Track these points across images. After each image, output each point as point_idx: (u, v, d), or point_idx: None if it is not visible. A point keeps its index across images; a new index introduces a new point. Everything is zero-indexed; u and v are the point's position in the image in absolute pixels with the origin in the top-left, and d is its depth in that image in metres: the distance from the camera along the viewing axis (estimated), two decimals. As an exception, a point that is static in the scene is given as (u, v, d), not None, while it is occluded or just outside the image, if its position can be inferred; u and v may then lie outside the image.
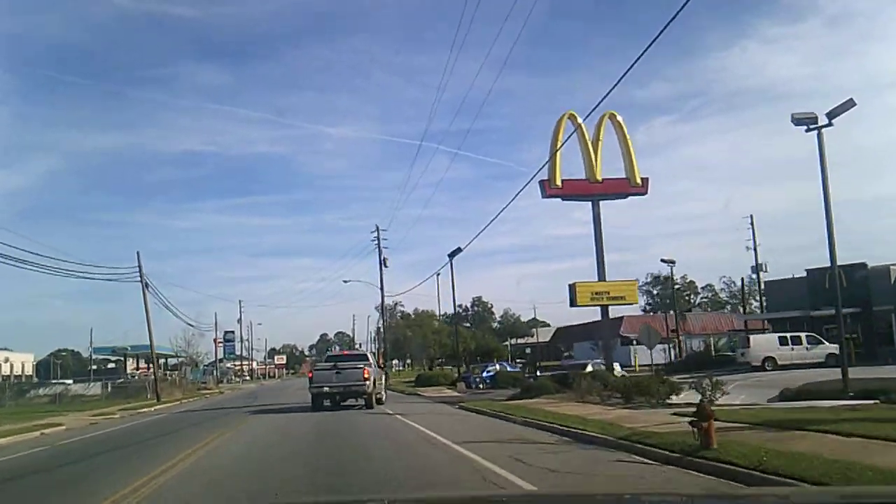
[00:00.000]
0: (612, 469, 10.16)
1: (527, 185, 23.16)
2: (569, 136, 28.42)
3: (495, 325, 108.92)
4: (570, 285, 30.97)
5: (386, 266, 51.71)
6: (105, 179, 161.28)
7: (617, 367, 34.89)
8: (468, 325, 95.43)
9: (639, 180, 31.93)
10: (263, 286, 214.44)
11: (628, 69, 13.53)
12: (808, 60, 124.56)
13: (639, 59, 12.98)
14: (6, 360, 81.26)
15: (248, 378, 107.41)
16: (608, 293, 30.94)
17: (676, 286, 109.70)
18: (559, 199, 31.78)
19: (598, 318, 35.88)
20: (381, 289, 51.86)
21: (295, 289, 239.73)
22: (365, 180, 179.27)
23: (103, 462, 14.34)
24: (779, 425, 12.84)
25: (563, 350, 78.73)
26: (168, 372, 74.77)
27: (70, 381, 63.48)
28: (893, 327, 39.04)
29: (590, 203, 31.36)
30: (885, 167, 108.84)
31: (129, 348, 74.58)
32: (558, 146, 29.18)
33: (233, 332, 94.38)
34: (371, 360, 27.35)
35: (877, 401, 16.57)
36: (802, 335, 38.38)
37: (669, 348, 56.08)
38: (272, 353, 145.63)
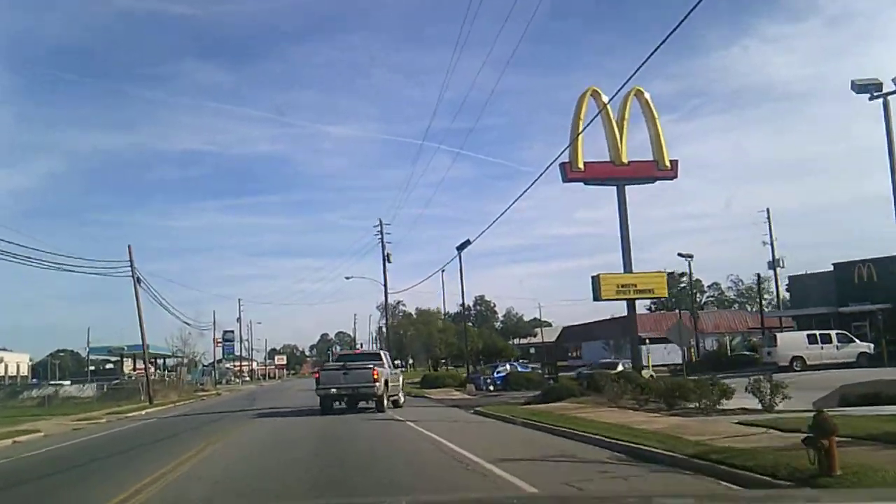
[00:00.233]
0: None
1: (547, 168, 20.78)
2: (594, 117, 25.70)
3: (498, 324, 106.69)
4: (593, 277, 28.28)
5: (389, 261, 49.25)
6: (105, 179, 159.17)
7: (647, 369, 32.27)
8: (470, 324, 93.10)
9: (668, 163, 29.18)
10: (263, 286, 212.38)
11: (657, 47, 11.45)
12: (808, 60, 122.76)
13: (667, 39, 10.85)
14: (0, 361, 78.73)
15: (247, 379, 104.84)
16: (635, 286, 28.23)
17: (682, 285, 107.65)
18: (581, 184, 29.10)
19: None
20: (385, 285, 49.43)
21: (295, 288, 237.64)
22: (365, 180, 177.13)
23: (63, 480, 11.93)
24: (889, 440, 10.31)
25: (570, 350, 76.21)
26: (167, 373, 72.39)
27: (68, 382, 61.51)
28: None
29: (614, 188, 28.70)
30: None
31: (126, 348, 72.02)
32: (581, 126, 26.58)
33: (232, 331, 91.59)
34: (384, 360, 25.11)
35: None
36: (832, 333, 35.93)
37: (684, 348, 53.56)
38: (272, 353, 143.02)
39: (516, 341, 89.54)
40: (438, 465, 10.89)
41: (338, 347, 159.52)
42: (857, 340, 35.27)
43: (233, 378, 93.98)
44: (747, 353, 48.88)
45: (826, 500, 3.92)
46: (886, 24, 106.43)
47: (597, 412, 17.94)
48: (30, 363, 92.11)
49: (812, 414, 14.61)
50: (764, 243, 50.52)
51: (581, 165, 28.00)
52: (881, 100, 17.43)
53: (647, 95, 29.21)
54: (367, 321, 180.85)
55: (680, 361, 47.07)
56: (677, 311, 56.66)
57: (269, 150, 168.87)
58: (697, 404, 16.46)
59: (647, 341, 53.13)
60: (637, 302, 31.10)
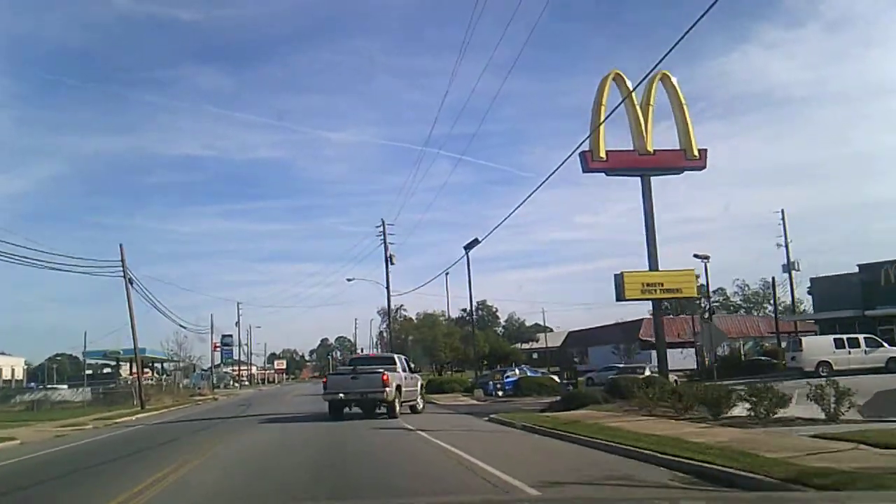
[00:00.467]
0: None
1: (568, 158, 18.59)
2: (619, 104, 23.22)
3: (499, 329, 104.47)
4: (616, 276, 26.00)
5: (392, 263, 47.06)
6: (106, 183, 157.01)
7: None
8: (468, 329, 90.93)
9: (696, 152, 26.78)
10: (263, 291, 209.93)
11: (687, 31, 9.56)
12: (807, 65, 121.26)
13: (697, 22, 8.88)
14: (-6, 364, 76.57)
15: (246, 383, 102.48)
16: (661, 285, 25.95)
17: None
18: (602, 174, 26.74)
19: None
20: (388, 287, 47.23)
21: (295, 292, 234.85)
22: (365, 185, 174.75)
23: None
24: None
25: (575, 355, 73.92)
26: (165, 377, 70.16)
27: (65, 387, 59.61)
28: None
29: (638, 178, 26.31)
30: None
31: (122, 352, 69.82)
32: (603, 112, 24.33)
33: (231, 335, 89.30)
34: (399, 364, 23.37)
35: None
36: (860, 337, 33.77)
37: (697, 353, 51.45)
38: (272, 357, 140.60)
39: (518, 346, 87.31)
40: (472, 490, 8.69)
41: (338, 352, 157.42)
42: (887, 345, 33.16)
43: (231, 382, 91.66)
44: (763, 358, 46.78)
45: None
46: (886, 29, 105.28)
47: (633, 422, 15.82)
48: (25, 367, 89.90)
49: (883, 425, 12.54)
50: (778, 245, 48.60)
51: (603, 154, 25.75)
52: None
53: (674, 80, 26.93)
54: (367, 326, 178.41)
55: (692, 367, 45.15)
56: (690, 315, 54.45)
57: (270, 155, 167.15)
58: (752, 413, 14.34)
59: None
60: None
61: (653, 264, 25.54)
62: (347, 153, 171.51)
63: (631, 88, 24.28)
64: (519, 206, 47.88)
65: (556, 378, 35.60)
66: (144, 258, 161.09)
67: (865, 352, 33.09)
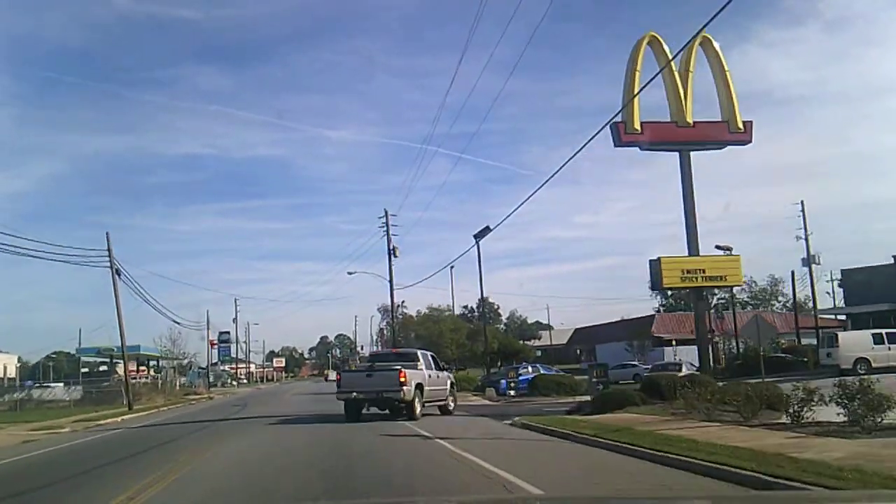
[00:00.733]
0: None
1: (599, 131, 15.75)
2: (658, 73, 20.06)
3: (501, 326, 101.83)
4: (651, 262, 22.96)
5: (396, 255, 44.22)
6: (106, 182, 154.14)
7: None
8: (472, 326, 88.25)
9: (741, 124, 23.76)
10: (263, 289, 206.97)
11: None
12: (807, 64, 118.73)
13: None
14: (-15, 362, 73.51)
15: (244, 381, 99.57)
16: (703, 271, 22.92)
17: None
18: (636, 148, 23.87)
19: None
20: (391, 280, 44.34)
21: (294, 290, 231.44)
22: (365, 184, 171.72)
23: None
24: None
25: (581, 353, 71.18)
26: (160, 375, 67.26)
27: (60, 385, 56.82)
28: None
29: (676, 153, 23.40)
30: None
31: (115, 349, 66.73)
32: (637, 80, 21.37)
33: (228, 332, 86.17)
34: (422, 361, 21.12)
35: None
36: (901, 332, 31.07)
37: (711, 350, 48.73)
38: (271, 355, 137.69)
39: (530, 343, 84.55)
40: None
41: (337, 350, 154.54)
42: (928, 340, 30.50)
43: (229, 381, 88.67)
44: (783, 355, 43.98)
45: None
46: (885, 28, 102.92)
47: (696, 429, 13.02)
48: (18, 365, 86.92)
49: None
50: (798, 238, 45.79)
51: (638, 126, 22.73)
52: None
53: (716, 45, 23.96)
54: (367, 323, 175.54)
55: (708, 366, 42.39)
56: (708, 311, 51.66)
57: (269, 153, 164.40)
58: (848, 418, 11.54)
59: (674, 342, 48.48)
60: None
61: (693, 249, 22.53)
62: (347, 152, 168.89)
63: (669, 53, 21.52)
64: (536, 191, 44.58)
65: (574, 376, 32.85)
66: (144, 258, 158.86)
67: (906, 348, 30.39)
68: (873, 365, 29.60)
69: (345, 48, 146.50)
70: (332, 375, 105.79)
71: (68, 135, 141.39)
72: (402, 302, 75.83)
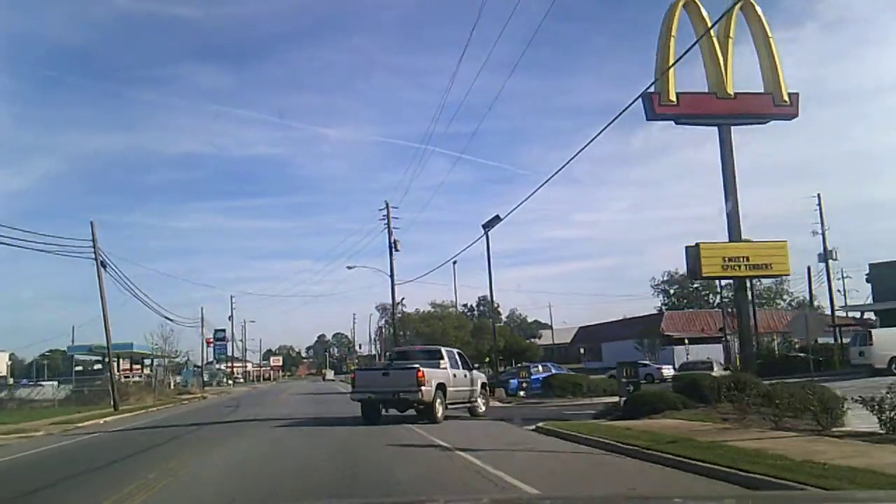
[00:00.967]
0: None
1: (633, 102, 13.51)
2: (698, 40, 17.70)
3: (501, 325, 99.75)
4: (689, 249, 20.44)
5: (397, 249, 41.89)
6: (104, 180, 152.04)
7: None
8: (475, 323, 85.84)
9: (786, 96, 21.32)
10: (260, 287, 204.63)
11: None
12: (804, 65, 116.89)
13: None
14: (-25, 360, 71.13)
15: (241, 380, 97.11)
16: (747, 259, 20.34)
17: (696, 285, 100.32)
18: (671, 122, 21.58)
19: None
20: (392, 275, 41.98)
21: (293, 289, 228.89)
22: (363, 182, 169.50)
23: None
24: None
25: (584, 352, 68.88)
26: (151, 374, 64.77)
27: (53, 383, 54.45)
28: None
29: (716, 128, 21.03)
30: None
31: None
32: (672, 46, 18.93)
33: (224, 330, 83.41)
34: (446, 360, 19.20)
35: None
36: (939, 330, 28.87)
37: (724, 349, 46.55)
38: (268, 354, 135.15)
39: (535, 341, 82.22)
40: None
41: (335, 349, 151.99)
42: (966, 339, 28.31)
43: (224, 380, 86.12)
44: (800, 354, 41.76)
45: None
46: (883, 29, 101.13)
47: (766, 439, 10.73)
48: (8, 363, 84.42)
49: None
50: (814, 233, 43.67)
51: (673, 97, 20.24)
52: None
53: (758, 9, 21.62)
54: (365, 322, 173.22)
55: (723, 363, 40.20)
56: (720, 308, 49.53)
57: (268, 151, 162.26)
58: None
59: (687, 341, 46.33)
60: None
61: (734, 234, 20.09)
62: (346, 150, 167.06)
63: (707, 19, 19.17)
64: (556, 174, 41.24)
65: (588, 376, 30.59)
66: (142, 255, 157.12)
67: (945, 346, 28.20)
68: (910, 364, 27.47)
69: (344, 47, 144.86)
70: (330, 375, 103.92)
71: (67, 133, 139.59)
72: (402, 299, 73.47)
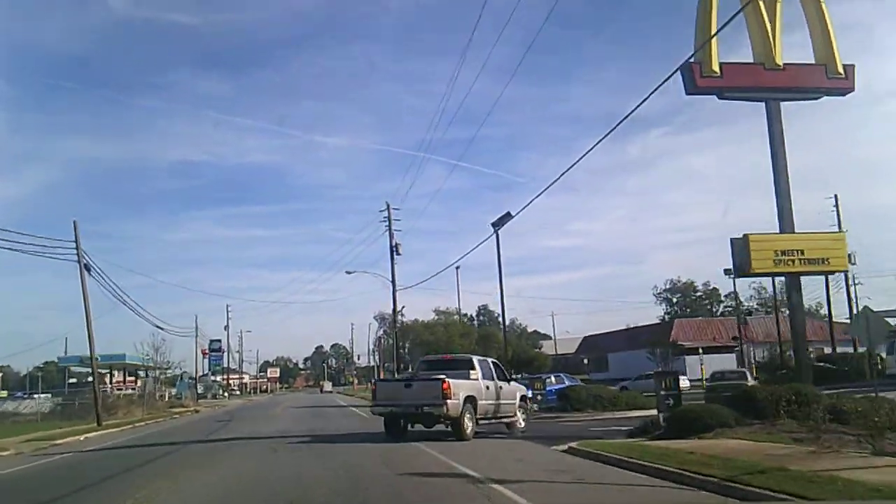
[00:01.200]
0: None
1: (671, 75, 11.44)
2: (746, 4, 16.09)
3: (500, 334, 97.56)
4: (735, 241, 17.71)
5: (398, 253, 39.70)
6: (101, 188, 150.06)
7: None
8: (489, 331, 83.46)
9: (840, 68, 19.02)
10: (257, 297, 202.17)
11: None
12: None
13: None
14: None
15: (237, 392, 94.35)
16: (801, 252, 17.79)
17: (698, 293, 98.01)
18: (713, 96, 19.07)
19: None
20: (393, 281, 39.78)
21: (289, 298, 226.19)
22: (361, 190, 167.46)
23: None
24: None
25: (589, 362, 66.55)
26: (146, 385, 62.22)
27: (48, 395, 52.36)
28: None
29: (762, 103, 18.71)
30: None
31: (99, 357, 61.72)
32: (714, 11, 16.85)
33: (219, 340, 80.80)
34: (478, 369, 17.14)
35: None
36: (982, 336, 26.71)
37: (738, 358, 44.40)
38: (265, 366, 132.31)
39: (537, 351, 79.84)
40: None
41: (333, 360, 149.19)
42: None
43: (220, 392, 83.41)
44: (820, 363, 39.55)
45: None
46: (883, 37, 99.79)
47: (870, 468, 8.54)
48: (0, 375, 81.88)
49: None
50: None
51: (716, 68, 18.01)
52: None
53: (807, -26, 19.51)
54: (364, 332, 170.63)
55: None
56: (735, 317, 47.33)
57: (266, 159, 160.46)
58: None
59: (701, 350, 44.10)
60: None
61: (786, 224, 17.73)
62: (343, 158, 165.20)
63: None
64: (574, 164, 39.57)
65: (608, 387, 28.33)
66: (139, 265, 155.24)
67: None
68: (952, 374, 25.28)
69: (342, 54, 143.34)
70: (328, 386, 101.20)
71: (64, 140, 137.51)
72: (402, 308, 71.07)
